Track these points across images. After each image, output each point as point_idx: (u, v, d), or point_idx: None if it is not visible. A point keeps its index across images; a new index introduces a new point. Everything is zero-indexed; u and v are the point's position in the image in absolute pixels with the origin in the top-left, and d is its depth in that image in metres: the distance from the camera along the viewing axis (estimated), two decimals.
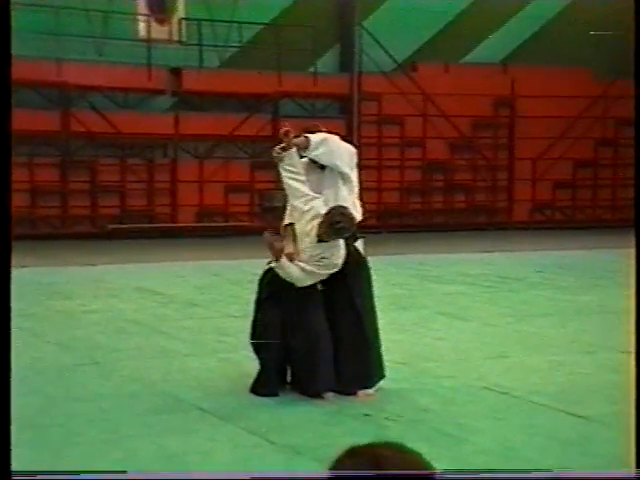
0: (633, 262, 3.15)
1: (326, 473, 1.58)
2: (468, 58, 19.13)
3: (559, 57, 18.71)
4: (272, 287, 5.73)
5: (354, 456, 1.57)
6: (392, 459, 1.53)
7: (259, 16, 17.37)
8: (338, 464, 1.57)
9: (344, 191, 5.70)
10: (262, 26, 17.58)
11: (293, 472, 4.38)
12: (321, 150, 5.64)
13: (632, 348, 3.00)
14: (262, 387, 5.72)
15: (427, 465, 1.56)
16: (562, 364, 6.72)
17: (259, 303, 5.84)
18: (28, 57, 15.56)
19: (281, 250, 5.62)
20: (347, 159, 5.78)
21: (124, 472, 4.14)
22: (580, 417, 5.36)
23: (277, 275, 5.66)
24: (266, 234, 5.69)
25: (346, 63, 18.19)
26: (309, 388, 5.63)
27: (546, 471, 4.28)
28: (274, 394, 5.67)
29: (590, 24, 19.29)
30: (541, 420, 5.32)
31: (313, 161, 5.72)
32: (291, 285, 5.63)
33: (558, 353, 7.13)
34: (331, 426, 5.13)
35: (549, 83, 18.52)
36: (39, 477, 3.53)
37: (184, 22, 17.21)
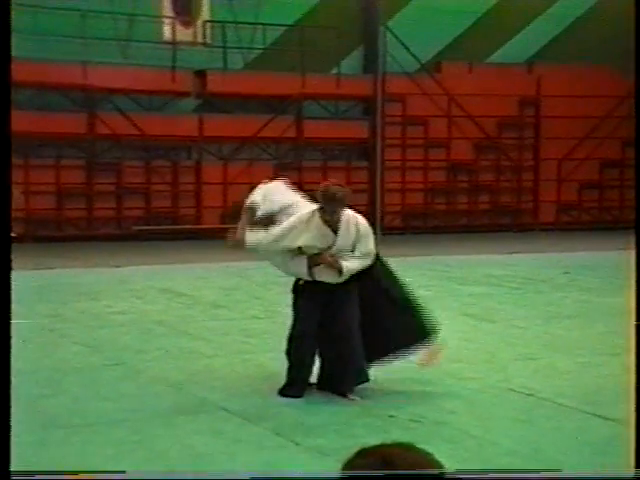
0: (633, 262, 3.11)
1: (339, 473, 1.59)
2: (493, 58, 19.03)
3: (585, 56, 18.57)
4: (309, 291, 5.76)
5: (365, 456, 1.58)
6: (402, 458, 1.54)
7: (283, 18, 17.39)
8: (349, 465, 1.59)
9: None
10: (286, 28, 17.61)
11: (293, 472, 4.38)
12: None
13: (632, 348, 2.96)
14: (291, 388, 5.75)
15: (437, 464, 1.57)
16: (589, 366, 6.67)
17: (297, 307, 5.85)
18: (54, 60, 15.72)
19: (335, 260, 5.68)
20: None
21: (123, 472, 4.17)
22: (608, 419, 5.31)
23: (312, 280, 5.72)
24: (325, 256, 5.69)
25: (370, 64, 18.16)
26: (340, 386, 5.70)
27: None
28: (300, 395, 5.70)
29: (616, 23, 19.13)
30: (568, 422, 5.28)
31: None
32: (327, 288, 5.68)
33: (585, 355, 7.07)
34: (356, 427, 5.13)
35: (575, 82, 18.38)
36: (38, 477, 3.59)
37: (208, 24, 17.28)
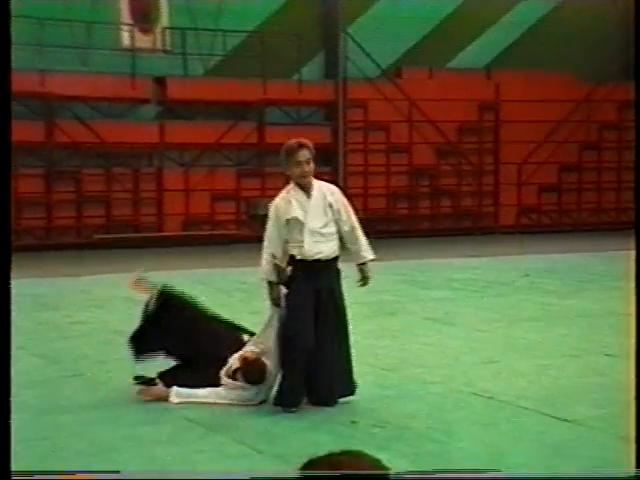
0: (632, 264, 3.15)
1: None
2: (452, 64, 19.19)
3: (542, 62, 18.80)
4: (298, 298, 5.59)
5: (314, 466, 1.60)
6: (350, 466, 1.56)
7: (243, 24, 17.37)
8: (301, 476, 1.61)
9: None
10: (246, 34, 17.59)
11: (294, 472, 4.36)
12: None
13: (632, 348, 2.99)
14: (288, 399, 5.54)
15: (384, 468, 1.60)
16: (549, 368, 6.73)
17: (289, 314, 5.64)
18: (11, 68, 15.50)
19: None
20: None
21: (117, 472, 4.15)
22: (567, 421, 5.37)
23: (301, 287, 5.57)
24: None
25: (331, 70, 18.22)
26: (329, 398, 5.63)
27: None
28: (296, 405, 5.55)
29: (572, 29, 19.42)
30: (528, 424, 5.33)
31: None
32: (314, 294, 5.56)
33: (545, 357, 7.14)
34: (319, 433, 5.13)
35: (532, 88, 18.60)
36: (38, 477, 3.57)
37: (168, 31, 17.20)
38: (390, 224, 18.56)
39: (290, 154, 5.61)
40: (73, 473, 3.50)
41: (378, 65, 17.88)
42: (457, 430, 5.19)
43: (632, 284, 3.11)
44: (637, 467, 2.95)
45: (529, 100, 18.47)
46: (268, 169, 17.26)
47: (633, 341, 2.99)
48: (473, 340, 7.94)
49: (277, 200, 5.73)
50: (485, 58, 19.38)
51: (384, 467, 1.60)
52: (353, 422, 5.31)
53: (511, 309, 9.61)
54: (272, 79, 17.34)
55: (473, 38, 19.19)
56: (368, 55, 17.52)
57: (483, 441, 5.00)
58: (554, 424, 5.33)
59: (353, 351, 5.86)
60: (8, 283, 2.33)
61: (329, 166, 18.20)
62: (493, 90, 19.08)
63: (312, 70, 18.33)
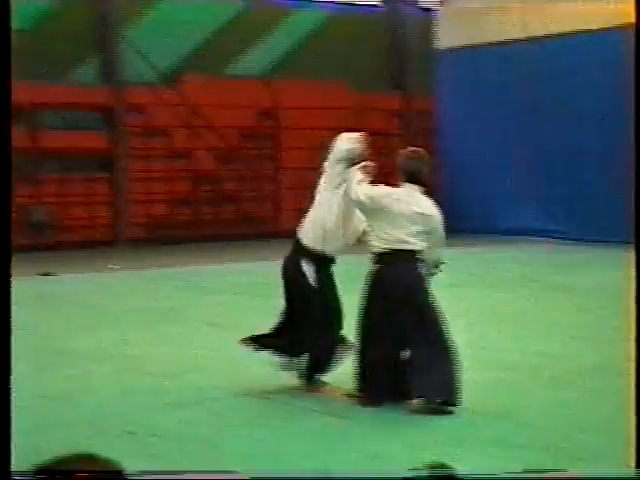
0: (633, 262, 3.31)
1: None
2: (232, 70, 19.38)
3: (318, 70, 19.44)
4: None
5: (44, 474, 1.62)
6: (82, 468, 1.60)
7: (12, 24, 16.56)
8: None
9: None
10: (16, 34, 16.79)
11: (294, 472, 4.36)
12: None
13: (632, 349, 3.14)
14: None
15: (115, 467, 1.67)
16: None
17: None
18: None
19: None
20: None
21: (119, 472, 3.96)
22: (342, 417, 5.62)
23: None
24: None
25: (108, 74, 17.82)
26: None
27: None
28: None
29: (344, 39, 20.24)
30: (302, 422, 5.53)
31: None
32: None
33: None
34: (91, 449, 5.01)
35: (309, 96, 19.16)
36: (38, 477, 3.36)
37: None
38: (172, 230, 18.43)
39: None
40: (75, 473, 3.26)
41: (157, 70, 17.71)
42: (235, 433, 5.29)
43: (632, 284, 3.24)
44: (637, 467, 3.03)
45: (305, 107, 19.02)
46: (43, 175, 16.58)
47: (633, 342, 3.09)
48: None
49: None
50: (262, 66, 19.75)
51: (118, 468, 1.65)
52: (130, 432, 5.25)
53: None
54: (45, 82, 16.68)
55: (251, 45, 19.49)
56: (146, 59, 17.32)
57: (260, 441, 5.12)
58: (327, 420, 5.56)
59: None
60: (8, 283, 2.32)
61: (108, 172, 17.81)
62: (271, 97, 19.48)
63: (87, 73, 17.82)
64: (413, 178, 5.86)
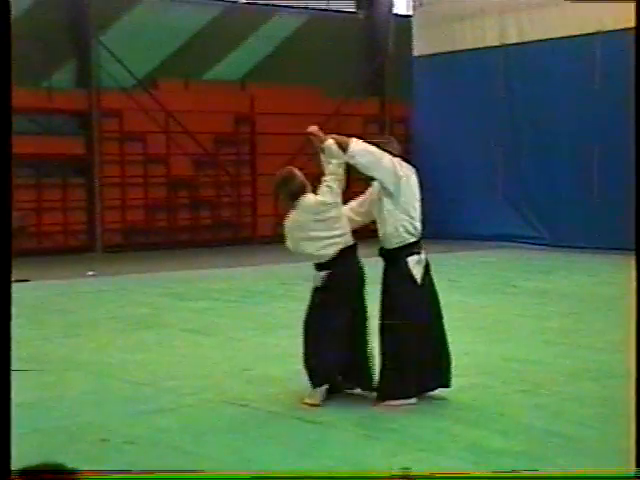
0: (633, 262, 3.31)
1: None
2: (208, 76, 19.34)
3: (294, 75, 19.45)
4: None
5: None
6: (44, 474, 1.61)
7: None
8: None
9: (389, 205, 6.05)
10: None
11: (293, 472, 4.35)
12: (364, 160, 5.98)
13: (632, 348, 3.13)
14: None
15: (72, 471, 1.69)
16: (300, 373, 6.98)
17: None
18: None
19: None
20: (391, 174, 6.04)
21: (121, 471, 3.97)
22: (315, 423, 5.61)
23: None
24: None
25: (83, 78, 17.72)
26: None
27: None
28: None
29: (320, 44, 20.26)
30: (278, 429, 5.51)
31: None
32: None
33: (296, 362, 7.38)
34: (66, 455, 4.96)
35: (285, 101, 19.15)
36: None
37: None
38: (149, 236, 18.35)
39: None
40: (77, 472, 3.23)
41: (133, 75, 17.64)
42: (209, 440, 5.26)
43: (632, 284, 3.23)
44: (637, 467, 3.03)
45: (281, 113, 19.01)
46: (17, 180, 16.42)
47: (633, 341, 3.09)
48: (229, 349, 8.07)
49: None
50: (240, 71, 19.72)
51: (72, 470, 1.68)
52: (103, 440, 5.21)
53: (267, 317, 9.86)
54: (19, 86, 16.49)
55: (227, 51, 19.47)
56: (122, 64, 17.24)
57: (234, 449, 5.10)
58: (302, 427, 5.55)
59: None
60: (9, 283, 2.30)
61: (84, 177, 17.70)
62: (248, 102, 19.45)
63: (63, 78, 17.71)
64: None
